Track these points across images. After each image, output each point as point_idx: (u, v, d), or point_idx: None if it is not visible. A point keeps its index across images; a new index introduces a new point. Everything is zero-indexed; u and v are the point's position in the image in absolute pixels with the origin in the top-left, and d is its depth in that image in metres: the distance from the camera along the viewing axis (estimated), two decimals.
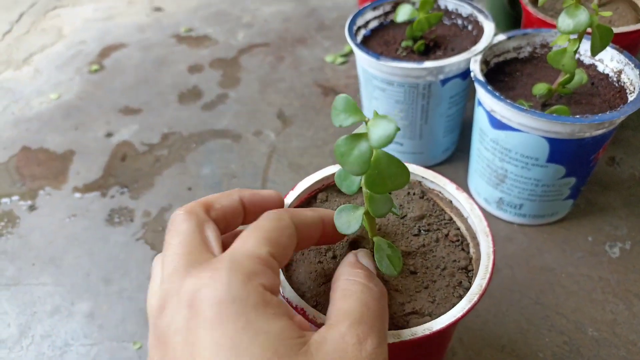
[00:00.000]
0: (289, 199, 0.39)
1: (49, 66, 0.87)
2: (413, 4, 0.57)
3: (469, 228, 0.38)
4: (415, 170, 0.41)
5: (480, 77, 0.48)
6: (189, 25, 0.93)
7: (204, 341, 0.19)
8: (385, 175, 0.25)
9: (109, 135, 0.72)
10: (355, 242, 0.35)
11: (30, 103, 0.80)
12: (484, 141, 0.51)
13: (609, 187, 0.58)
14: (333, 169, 0.41)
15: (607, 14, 0.43)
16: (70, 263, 0.56)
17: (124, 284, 0.53)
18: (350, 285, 0.27)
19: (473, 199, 0.55)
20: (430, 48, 0.57)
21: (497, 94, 0.45)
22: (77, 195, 0.63)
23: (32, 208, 0.63)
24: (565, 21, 0.42)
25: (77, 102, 0.78)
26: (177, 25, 0.93)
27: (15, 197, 0.64)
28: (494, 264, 0.34)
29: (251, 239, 0.24)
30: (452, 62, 0.50)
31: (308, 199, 0.41)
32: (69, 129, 0.74)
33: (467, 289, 0.34)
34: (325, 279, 0.36)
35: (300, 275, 0.36)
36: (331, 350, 0.22)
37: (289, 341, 0.20)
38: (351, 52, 0.82)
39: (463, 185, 0.59)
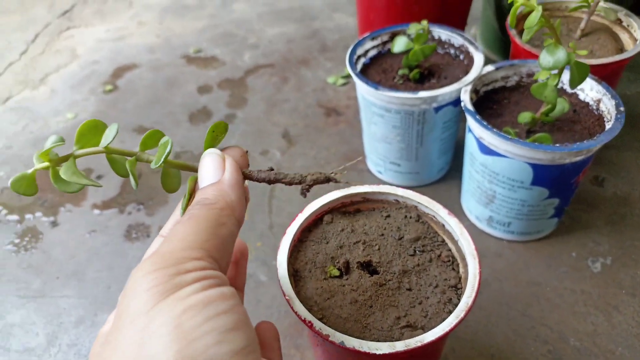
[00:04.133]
0: (299, 220, 0.44)
1: (64, 86, 0.92)
2: (408, 35, 0.61)
3: (459, 249, 0.42)
4: (412, 196, 0.45)
5: (470, 106, 0.52)
6: (197, 46, 0.98)
7: None
8: None
9: None
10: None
11: (48, 122, 0.84)
12: (474, 164, 0.55)
13: (593, 205, 0.63)
14: (337, 193, 0.46)
15: (583, 52, 0.48)
16: (92, 277, 0.60)
17: None
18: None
19: (466, 216, 0.60)
20: (425, 76, 0.61)
21: (484, 123, 0.50)
22: (96, 212, 0.68)
23: (54, 224, 0.67)
24: (546, 58, 0.47)
25: None
26: (186, 46, 0.98)
27: (38, 214, 0.68)
28: (479, 284, 0.38)
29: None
30: (444, 92, 0.54)
31: (315, 221, 0.45)
32: None
33: (457, 305, 0.38)
34: (329, 295, 0.40)
35: (308, 291, 0.40)
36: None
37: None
38: None
39: (456, 203, 0.64)
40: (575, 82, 0.48)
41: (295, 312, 0.37)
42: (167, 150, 0.27)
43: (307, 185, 0.28)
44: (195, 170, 0.29)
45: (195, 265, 0.22)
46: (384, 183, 0.67)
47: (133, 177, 0.27)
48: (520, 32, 0.64)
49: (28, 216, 0.68)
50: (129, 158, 0.28)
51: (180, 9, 1.11)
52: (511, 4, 0.58)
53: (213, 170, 0.27)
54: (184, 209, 0.28)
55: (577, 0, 0.65)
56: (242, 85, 0.87)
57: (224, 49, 0.96)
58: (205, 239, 0.24)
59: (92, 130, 0.28)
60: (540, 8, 0.44)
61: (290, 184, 0.29)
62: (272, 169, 0.29)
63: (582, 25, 0.62)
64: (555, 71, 0.48)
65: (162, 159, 0.27)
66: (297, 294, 0.39)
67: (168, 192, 0.30)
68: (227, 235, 0.25)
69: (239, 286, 0.36)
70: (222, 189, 0.26)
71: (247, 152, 0.31)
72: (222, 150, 0.30)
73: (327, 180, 0.28)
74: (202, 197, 0.26)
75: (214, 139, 0.30)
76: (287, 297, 0.39)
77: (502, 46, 0.82)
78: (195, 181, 0.29)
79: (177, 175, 0.30)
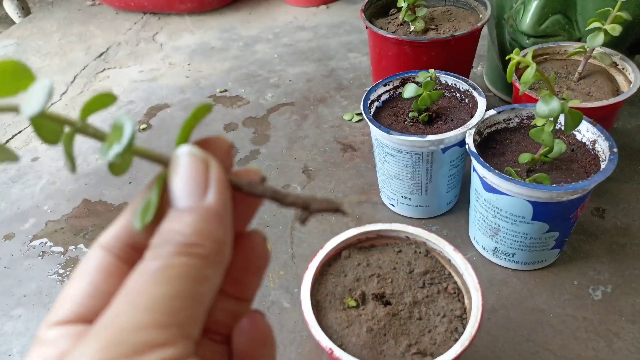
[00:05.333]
0: (320, 256, 0.49)
1: (102, 125, 1.00)
2: (418, 82, 0.67)
3: (464, 282, 0.47)
4: (421, 233, 0.50)
5: (474, 149, 0.57)
6: (223, 86, 1.05)
7: None
8: None
9: None
10: None
11: (87, 159, 0.92)
12: (479, 200, 0.60)
13: (594, 235, 0.67)
14: (354, 231, 0.51)
15: (575, 102, 0.53)
16: None
17: None
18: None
19: (473, 246, 0.65)
20: (433, 118, 0.67)
21: (487, 164, 0.55)
22: None
23: None
24: (541, 108, 0.52)
25: None
26: (213, 86, 1.05)
27: (80, 245, 0.75)
28: (482, 315, 0.43)
29: None
30: (450, 136, 0.60)
31: (334, 256, 0.51)
32: (124, 183, 0.85)
33: (462, 333, 0.43)
34: (347, 324, 0.45)
35: (329, 320, 0.46)
36: None
37: None
38: None
39: (465, 233, 0.68)
40: (569, 128, 0.53)
41: (318, 341, 0.43)
42: (127, 139, 0.18)
43: (309, 214, 0.23)
44: (164, 163, 0.21)
45: (160, 357, 0.16)
46: (397, 215, 0.72)
47: (69, 159, 0.20)
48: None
49: (71, 247, 0.75)
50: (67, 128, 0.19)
51: (207, 50, 1.19)
52: (512, 48, 0.64)
53: (192, 184, 0.19)
54: (144, 221, 0.20)
55: (575, 45, 0.70)
56: (265, 123, 0.93)
57: (248, 88, 1.04)
58: (179, 309, 0.16)
59: (10, 76, 0.18)
60: (534, 65, 0.50)
61: (291, 206, 0.23)
62: (264, 179, 0.23)
63: (580, 68, 0.67)
64: (552, 118, 0.53)
65: (121, 150, 0.18)
66: (319, 323, 0.45)
67: (116, 175, 0.21)
68: (208, 294, 0.18)
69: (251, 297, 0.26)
70: (207, 220, 0.18)
71: (232, 146, 0.23)
72: (199, 142, 0.22)
73: (337, 211, 0.22)
74: (176, 232, 0.18)
75: (193, 125, 0.22)
76: (310, 327, 0.44)
77: (506, 84, 0.87)
78: (164, 183, 0.20)
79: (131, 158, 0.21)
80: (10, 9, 1.44)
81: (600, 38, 0.62)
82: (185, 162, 0.19)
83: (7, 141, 0.98)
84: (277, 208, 0.76)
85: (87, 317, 0.19)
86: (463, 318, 0.45)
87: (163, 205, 0.20)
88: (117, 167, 0.21)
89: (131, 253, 0.21)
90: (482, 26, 0.76)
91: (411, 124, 0.66)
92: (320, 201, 0.23)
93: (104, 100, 0.20)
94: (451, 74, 0.68)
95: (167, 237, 0.18)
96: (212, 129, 0.94)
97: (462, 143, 0.63)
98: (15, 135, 1.00)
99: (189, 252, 0.17)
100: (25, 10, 1.47)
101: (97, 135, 0.20)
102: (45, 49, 1.28)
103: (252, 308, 0.25)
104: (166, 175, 0.20)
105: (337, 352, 0.42)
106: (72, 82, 1.14)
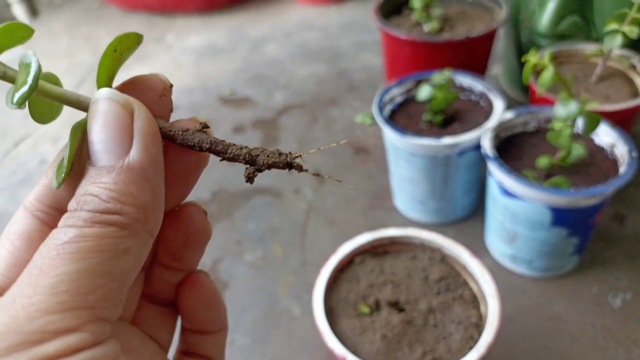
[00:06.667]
0: (333, 262, 0.48)
1: None
2: (432, 84, 0.66)
3: (480, 289, 0.46)
4: (436, 239, 0.49)
5: (490, 153, 0.56)
6: (231, 87, 1.04)
7: None
8: None
9: None
10: None
11: None
12: (496, 206, 0.59)
13: (613, 242, 0.65)
14: (369, 236, 0.50)
15: (594, 104, 0.51)
16: None
17: None
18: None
19: (490, 253, 0.63)
20: (448, 121, 0.65)
21: (504, 168, 0.53)
22: None
23: None
24: (559, 110, 0.51)
25: None
26: (221, 88, 1.05)
27: None
28: (499, 323, 0.42)
29: None
30: (466, 140, 0.58)
31: (347, 262, 0.50)
32: None
33: (478, 341, 0.42)
34: (361, 331, 0.44)
35: (342, 327, 0.44)
36: None
37: None
38: None
39: (481, 240, 0.67)
40: (587, 131, 0.52)
41: (331, 348, 0.42)
42: (31, 78, 0.16)
43: (257, 171, 0.20)
44: (83, 109, 0.18)
45: (62, 346, 0.14)
46: (411, 221, 0.71)
47: None
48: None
49: None
50: None
51: (214, 52, 1.19)
52: (529, 49, 0.62)
53: (111, 138, 0.16)
54: (59, 178, 0.17)
55: (592, 47, 0.69)
56: (275, 125, 0.93)
57: (257, 90, 1.03)
58: (90, 288, 0.14)
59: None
60: (551, 67, 0.48)
61: (234, 160, 0.20)
62: (206, 127, 0.20)
63: (598, 71, 0.66)
64: (570, 121, 0.52)
65: (25, 92, 0.16)
66: (332, 330, 0.44)
67: (40, 123, 0.18)
68: (130, 269, 0.16)
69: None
70: (129, 181, 0.16)
71: (171, 86, 0.19)
72: (125, 83, 0.18)
73: (288, 166, 0.19)
74: (92, 196, 0.15)
75: (116, 62, 0.18)
76: (323, 334, 0.43)
77: (523, 86, 0.86)
78: (84, 134, 0.17)
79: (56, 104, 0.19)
80: (20, 12, 1.44)
81: (618, 40, 0.61)
82: (103, 109, 0.16)
83: (16, 145, 0.98)
84: (286, 211, 0.75)
85: (7, 289, 0.16)
86: (479, 325, 0.44)
87: (84, 159, 0.17)
88: (40, 114, 0.18)
89: (57, 216, 0.18)
90: (498, 27, 0.75)
91: (426, 127, 0.65)
92: (269, 154, 0.19)
93: (17, 31, 0.17)
94: (467, 73, 0.67)
95: (82, 202, 0.15)
96: (221, 131, 0.94)
97: (478, 147, 0.61)
98: (24, 140, 1.00)
99: (104, 220, 0.15)
100: (34, 12, 1.47)
101: (7, 76, 0.17)
102: (52, 50, 1.28)
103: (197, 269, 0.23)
104: (85, 124, 0.17)
105: (350, 358, 0.41)
106: (80, 84, 1.13)
